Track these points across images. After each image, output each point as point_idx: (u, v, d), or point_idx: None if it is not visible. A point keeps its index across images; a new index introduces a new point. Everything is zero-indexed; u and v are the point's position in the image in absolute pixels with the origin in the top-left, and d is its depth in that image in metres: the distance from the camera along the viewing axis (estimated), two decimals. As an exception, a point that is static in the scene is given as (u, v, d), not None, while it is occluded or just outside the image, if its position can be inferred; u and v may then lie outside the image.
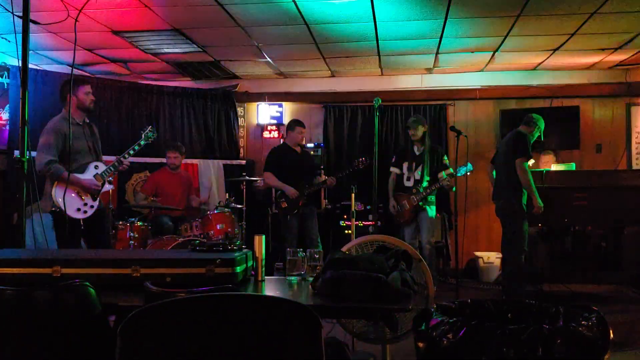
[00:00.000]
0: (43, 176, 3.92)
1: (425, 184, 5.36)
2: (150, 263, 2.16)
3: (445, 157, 5.56)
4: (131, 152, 4.26)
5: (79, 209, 3.97)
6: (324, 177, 5.57)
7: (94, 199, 4.06)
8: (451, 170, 5.40)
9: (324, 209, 6.39)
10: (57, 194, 3.79)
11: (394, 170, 5.62)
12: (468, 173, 5.38)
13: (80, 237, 4.08)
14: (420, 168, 5.42)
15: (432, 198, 5.43)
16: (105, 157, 4.34)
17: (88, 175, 4.04)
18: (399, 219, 5.49)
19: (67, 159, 3.80)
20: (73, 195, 3.95)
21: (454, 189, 5.40)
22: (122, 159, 4.20)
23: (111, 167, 4.16)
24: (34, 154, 3.07)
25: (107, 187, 4.17)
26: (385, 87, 7.04)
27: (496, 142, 6.93)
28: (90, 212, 4.02)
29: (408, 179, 5.48)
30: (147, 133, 4.41)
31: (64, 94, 4.04)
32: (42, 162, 3.83)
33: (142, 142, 4.36)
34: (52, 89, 5.84)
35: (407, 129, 5.55)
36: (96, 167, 4.10)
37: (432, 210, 5.41)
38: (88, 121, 4.19)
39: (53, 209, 3.87)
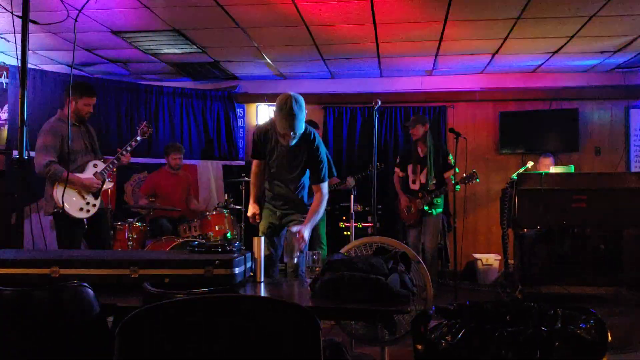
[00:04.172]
0: (43, 178, 3.91)
1: (430, 186, 5.30)
2: (148, 264, 2.16)
3: (451, 156, 5.43)
4: (128, 148, 4.27)
5: (81, 209, 3.97)
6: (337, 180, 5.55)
7: (96, 198, 4.07)
8: (457, 170, 5.30)
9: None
10: (59, 194, 3.78)
11: (397, 170, 5.61)
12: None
13: (82, 237, 4.08)
14: (425, 170, 5.37)
15: (439, 201, 5.39)
16: (106, 158, 4.35)
17: (88, 174, 4.04)
18: (406, 220, 5.47)
19: (65, 159, 3.79)
20: (75, 195, 3.95)
21: (457, 187, 5.21)
22: (120, 155, 4.21)
23: (110, 165, 4.17)
24: (32, 154, 3.07)
25: (108, 185, 4.18)
26: (385, 88, 7.04)
27: (496, 144, 6.94)
28: (93, 210, 4.02)
29: (414, 181, 5.45)
30: (142, 128, 4.41)
31: (65, 96, 4.05)
32: (41, 163, 3.81)
33: (139, 138, 4.36)
34: (51, 89, 5.85)
35: (407, 128, 5.52)
36: (95, 165, 4.11)
37: (438, 213, 5.38)
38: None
39: (55, 210, 3.85)
